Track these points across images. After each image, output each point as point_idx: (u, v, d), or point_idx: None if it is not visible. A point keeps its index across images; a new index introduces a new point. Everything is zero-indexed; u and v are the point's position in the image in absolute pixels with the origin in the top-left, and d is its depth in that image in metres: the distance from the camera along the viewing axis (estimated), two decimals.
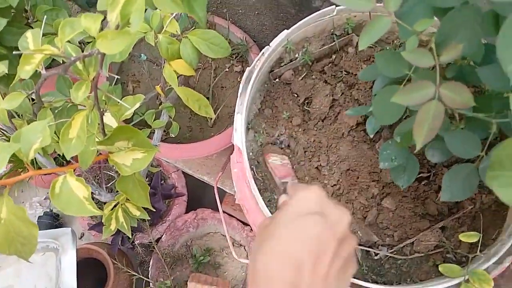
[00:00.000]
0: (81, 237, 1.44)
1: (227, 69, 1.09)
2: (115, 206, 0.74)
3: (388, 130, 0.75)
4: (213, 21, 1.08)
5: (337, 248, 0.40)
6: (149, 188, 1.15)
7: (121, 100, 0.66)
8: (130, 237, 1.19)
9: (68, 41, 0.63)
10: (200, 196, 1.43)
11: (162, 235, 1.29)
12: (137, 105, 0.77)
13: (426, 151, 0.59)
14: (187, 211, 1.34)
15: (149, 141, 0.66)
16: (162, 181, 1.34)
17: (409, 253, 0.71)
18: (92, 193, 0.78)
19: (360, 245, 0.73)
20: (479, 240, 0.66)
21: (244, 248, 1.32)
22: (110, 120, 0.73)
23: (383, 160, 0.63)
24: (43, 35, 0.68)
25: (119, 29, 0.53)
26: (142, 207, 0.76)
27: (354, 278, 0.63)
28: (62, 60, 0.71)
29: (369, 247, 0.73)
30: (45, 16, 0.67)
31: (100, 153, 0.66)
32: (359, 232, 0.71)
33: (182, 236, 1.32)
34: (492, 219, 0.73)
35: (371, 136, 0.68)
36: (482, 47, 0.48)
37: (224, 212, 1.33)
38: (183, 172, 1.35)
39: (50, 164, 0.73)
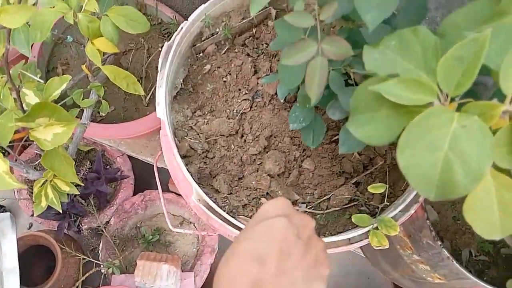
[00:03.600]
0: (30, 227, 1.43)
1: (160, 49, 1.10)
2: (44, 183, 0.76)
3: None
4: (143, 2, 1.10)
5: (303, 247, 0.41)
6: (92, 172, 1.17)
7: (35, 73, 0.67)
8: (60, 211, 1.19)
9: None
10: (147, 178, 1.44)
11: (111, 219, 1.30)
12: (64, 85, 0.78)
13: (328, 110, 0.64)
14: (135, 194, 1.36)
15: (72, 116, 0.68)
16: (108, 166, 1.35)
17: (326, 208, 0.77)
18: (20, 172, 0.79)
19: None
20: (386, 191, 0.72)
21: (194, 225, 1.35)
22: (33, 99, 0.74)
23: (292, 122, 0.68)
24: None
25: (21, 3, 0.55)
26: (72, 183, 0.78)
27: None
28: None
29: (293, 203, 0.77)
30: None
31: (19, 130, 0.68)
32: (279, 191, 0.76)
33: (131, 218, 1.34)
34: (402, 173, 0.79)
35: (282, 100, 0.72)
36: None
37: (171, 191, 1.36)
38: (129, 156, 1.36)
39: None
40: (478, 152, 0.34)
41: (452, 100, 0.37)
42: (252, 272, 0.38)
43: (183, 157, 0.78)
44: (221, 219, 0.70)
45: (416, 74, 0.39)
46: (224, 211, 0.70)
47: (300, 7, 0.53)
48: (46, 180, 0.75)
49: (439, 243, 0.83)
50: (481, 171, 0.34)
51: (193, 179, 0.71)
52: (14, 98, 0.67)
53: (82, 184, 0.73)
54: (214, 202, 0.69)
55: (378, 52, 0.42)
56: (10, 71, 0.61)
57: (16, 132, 0.70)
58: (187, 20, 0.79)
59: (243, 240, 0.41)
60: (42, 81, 0.68)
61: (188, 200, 0.80)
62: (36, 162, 0.81)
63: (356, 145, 0.60)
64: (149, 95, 1.06)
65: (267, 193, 0.77)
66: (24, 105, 0.69)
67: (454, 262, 0.82)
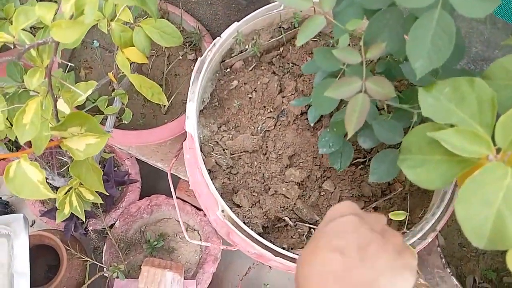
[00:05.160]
0: (32, 224, 1.42)
1: (180, 57, 1.11)
2: (68, 190, 0.76)
3: (328, 119, 0.82)
4: (166, 9, 1.10)
5: (381, 239, 0.40)
6: (102, 174, 1.17)
7: (74, 86, 0.68)
8: (84, 221, 1.20)
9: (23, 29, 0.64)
10: (154, 182, 1.45)
11: (116, 221, 1.30)
12: (90, 91, 0.78)
13: (358, 138, 0.66)
14: (141, 198, 1.36)
15: (102, 127, 0.69)
16: (116, 168, 1.35)
17: None
18: (46, 178, 0.79)
19: (305, 222, 0.79)
20: (406, 218, 0.74)
21: (198, 232, 1.36)
22: (63, 106, 0.75)
23: (321, 146, 0.70)
24: None
25: (73, 18, 0.56)
26: (95, 191, 0.78)
27: (290, 251, 0.69)
28: (14, 46, 0.72)
29: (313, 224, 0.79)
30: None
31: (52, 139, 0.68)
32: (304, 209, 0.78)
33: (136, 222, 1.34)
34: (420, 200, 0.81)
35: (312, 124, 0.74)
36: (404, 45, 0.55)
37: (178, 197, 1.37)
38: (137, 159, 1.36)
39: (2, 149, 0.74)
40: None
41: (505, 153, 0.39)
42: (336, 262, 0.39)
43: (209, 172, 0.79)
44: (244, 235, 0.71)
45: (470, 125, 0.40)
46: (248, 226, 0.72)
47: (345, 42, 0.55)
48: (71, 188, 0.75)
49: (448, 270, 0.86)
50: None
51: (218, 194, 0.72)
52: None
53: (107, 193, 0.74)
54: (237, 217, 0.71)
55: (432, 97, 0.43)
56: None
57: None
58: (219, 36, 0.80)
59: (318, 238, 0.42)
60: (80, 92, 0.68)
61: (208, 213, 0.81)
62: (62, 170, 0.82)
63: (386, 175, 0.62)
64: (168, 103, 1.07)
65: (293, 210, 0.79)
66: (58, 115, 0.69)
67: None
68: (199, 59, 0.77)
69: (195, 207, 1.35)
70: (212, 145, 0.81)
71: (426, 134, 0.40)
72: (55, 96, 0.65)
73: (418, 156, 0.42)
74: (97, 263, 1.22)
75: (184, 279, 1.26)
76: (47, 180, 0.77)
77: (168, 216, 1.40)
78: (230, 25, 0.81)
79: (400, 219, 0.74)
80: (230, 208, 0.72)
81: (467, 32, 1.02)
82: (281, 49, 0.89)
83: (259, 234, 0.72)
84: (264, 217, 0.78)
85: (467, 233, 0.37)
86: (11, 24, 0.61)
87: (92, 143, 0.67)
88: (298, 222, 0.78)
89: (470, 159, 0.39)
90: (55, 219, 1.21)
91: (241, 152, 0.82)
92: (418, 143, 0.42)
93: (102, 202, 0.76)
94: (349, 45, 0.58)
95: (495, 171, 0.37)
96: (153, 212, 1.36)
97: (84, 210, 1.19)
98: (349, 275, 0.38)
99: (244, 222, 0.76)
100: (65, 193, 0.76)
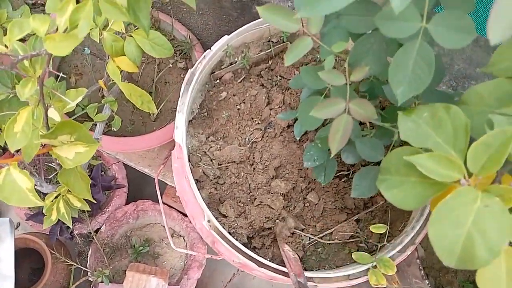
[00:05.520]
0: (17, 227, 1.42)
1: (170, 65, 1.13)
2: (56, 197, 0.77)
3: (314, 132, 0.84)
4: (158, 17, 1.12)
5: None
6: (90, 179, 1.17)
7: (64, 93, 0.69)
8: (71, 227, 1.20)
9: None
10: (141, 187, 1.46)
11: (102, 226, 1.31)
12: (79, 98, 0.79)
13: (342, 154, 0.68)
14: (127, 203, 1.37)
15: (91, 135, 0.70)
16: (103, 173, 1.35)
17: (328, 240, 0.81)
18: (34, 184, 0.80)
19: (295, 228, 0.82)
20: (386, 231, 0.77)
21: (184, 238, 1.37)
22: (53, 114, 0.76)
23: (306, 160, 0.72)
24: None
25: (67, 32, 0.57)
26: (83, 198, 0.79)
27: (278, 264, 0.71)
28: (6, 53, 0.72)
29: (301, 230, 0.81)
30: None
31: (43, 147, 0.69)
32: (291, 219, 0.80)
33: (121, 227, 1.34)
34: (400, 213, 0.84)
35: (297, 138, 0.76)
36: (386, 68, 0.57)
37: (164, 203, 1.37)
38: (124, 164, 1.37)
39: None
40: (498, 230, 0.38)
41: (476, 178, 0.41)
42: None
43: (196, 181, 0.80)
44: (229, 245, 0.73)
45: (445, 150, 0.43)
46: (233, 236, 0.73)
47: (331, 64, 0.57)
48: (59, 195, 0.76)
49: (427, 282, 0.88)
50: (500, 247, 0.38)
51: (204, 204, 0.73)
52: None
53: (94, 201, 0.75)
54: (222, 227, 0.72)
55: (411, 121, 0.46)
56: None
57: None
58: (209, 49, 0.82)
59: None
60: (70, 102, 0.69)
61: (194, 222, 0.83)
62: (51, 176, 0.82)
63: (368, 191, 0.64)
64: (158, 111, 1.08)
65: (278, 220, 0.80)
66: (48, 123, 0.70)
67: None
68: (189, 71, 0.79)
69: (181, 213, 1.36)
70: (200, 155, 0.83)
71: (403, 157, 0.42)
72: (46, 105, 0.66)
73: (396, 178, 0.45)
74: (82, 267, 1.22)
75: (169, 285, 1.26)
76: (35, 187, 0.78)
77: (154, 222, 1.40)
78: (220, 36, 0.82)
79: (380, 232, 0.76)
80: (216, 218, 0.74)
81: (450, 50, 1.05)
82: (270, 62, 0.91)
83: (243, 244, 0.74)
84: (249, 227, 0.79)
85: (438, 252, 0.39)
86: (3, 29, 0.62)
87: (81, 151, 0.68)
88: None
89: (443, 182, 0.41)
90: (41, 223, 1.21)
91: (228, 163, 0.84)
92: (396, 165, 0.45)
93: (89, 209, 0.76)
94: (335, 64, 0.60)
95: (466, 195, 0.39)
96: (139, 217, 1.37)
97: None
98: None
99: (229, 232, 0.78)
100: (53, 200, 0.77)
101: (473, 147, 0.40)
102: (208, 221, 0.73)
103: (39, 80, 0.61)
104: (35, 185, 0.80)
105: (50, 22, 0.59)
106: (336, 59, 0.86)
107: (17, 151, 0.70)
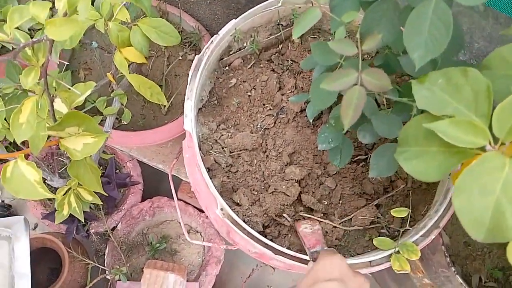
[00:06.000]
0: (35, 227, 1.42)
1: (180, 57, 1.11)
2: (67, 191, 0.76)
3: (327, 116, 0.81)
4: (165, 10, 1.10)
5: None
6: (103, 176, 1.17)
7: (72, 87, 0.67)
8: (85, 223, 1.20)
9: (18, 28, 0.64)
10: (156, 184, 1.45)
11: (118, 224, 1.30)
12: (88, 92, 0.78)
13: (358, 133, 0.65)
14: (143, 200, 1.36)
15: (100, 127, 0.68)
16: (117, 171, 1.35)
17: (348, 228, 0.78)
18: (44, 179, 0.79)
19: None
20: (408, 215, 0.73)
21: (200, 234, 1.35)
22: (60, 107, 0.75)
23: (321, 142, 0.69)
24: None
25: (67, 16, 0.55)
26: (94, 192, 0.78)
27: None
28: (12, 47, 0.72)
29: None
30: None
31: (51, 139, 0.68)
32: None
33: (138, 224, 1.33)
34: (423, 197, 0.80)
35: (311, 120, 0.73)
36: (400, 36, 0.54)
37: (180, 199, 1.36)
38: (139, 161, 1.36)
39: (1, 151, 0.73)
40: None
41: (503, 144, 0.38)
42: None
43: (208, 170, 0.78)
44: (244, 233, 0.70)
45: (467, 116, 0.39)
46: (248, 225, 0.71)
47: (341, 34, 0.54)
48: (70, 188, 0.75)
49: (453, 269, 0.84)
50: None
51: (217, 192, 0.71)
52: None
53: (106, 194, 0.73)
54: (237, 215, 0.70)
55: (426, 89, 0.43)
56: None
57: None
58: (217, 34, 0.80)
59: None
60: (76, 91, 0.68)
61: (208, 212, 0.80)
62: (61, 170, 0.82)
63: (387, 170, 0.61)
64: (168, 104, 1.06)
65: (293, 208, 0.78)
66: (55, 115, 0.69)
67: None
68: (197, 57, 0.77)
69: (197, 209, 1.35)
70: (211, 144, 0.81)
71: (423, 125, 0.39)
72: (51, 95, 0.65)
73: (416, 149, 0.41)
74: (99, 265, 1.22)
75: (187, 281, 1.25)
76: (46, 181, 0.77)
77: (170, 218, 1.39)
78: None
79: (402, 216, 0.73)
80: (229, 206, 0.72)
81: (469, 28, 1.01)
82: (280, 46, 0.88)
83: (259, 232, 0.71)
84: (264, 215, 0.77)
85: (465, 224, 0.36)
86: None
87: (89, 142, 0.66)
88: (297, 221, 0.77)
89: (466, 150, 0.38)
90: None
91: (240, 150, 0.81)
92: (415, 135, 0.42)
93: (101, 203, 0.75)
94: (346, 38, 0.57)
95: (493, 161, 0.36)
96: (155, 214, 1.36)
97: (86, 213, 1.19)
98: None
99: (244, 221, 0.75)
100: (64, 194, 0.76)
101: (499, 109, 0.36)
102: (221, 209, 0.70)
103: (43, 69, 0.60)
104: (45, 179, 0.79)
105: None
106: (347, 35, 0.83)
107: (23, 143, 0.70)
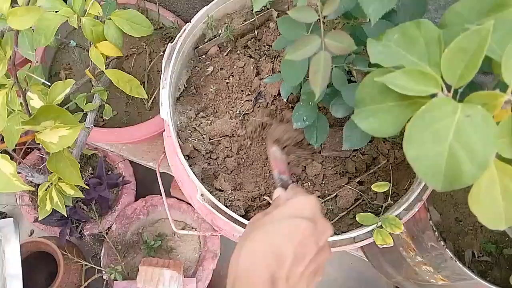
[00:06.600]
0: (31, 234, 1.43)
1: (162, 53, 1.11)
2: (49, 187, 0.76)
3: None
4: (144, 7, 1.11)
5: (316, 254, 0.44)
6: (94, 177, 1.17)
7: (41, 76, 0.68)
8: (73, 223, 1.20)
9: None
10: (149, 184, 1.45)
11: (112, 224, 1.30)
12: (67, 89, 0.78)
13: (331, 108, 0.64)
14: (137, 199, 1.36)
15: (75, 119, 0.68)
16: (109, 172, 1.35)
17: (331, 207, 0.77)
18: (25, 176, 0.79)
19: None
20: (390, 189, 0.73)
21: (196, 230, 1.35)
22: (38, 104, 0.75)
23: (296, 120, 0.68)
24: None
25: (29, 5, 0.56)
26: (77, 186, 0.78)
27: None
28: None
29: None
30: None
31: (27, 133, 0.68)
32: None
33: (132, 224, 1.34)
34: (405, 172, 0.80)
35: (285, 99, 0.73)
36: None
37: (173, 196, 1.36)
38: (131, 162, 1.36)
39: None
40: (483, 141, 0.34)
41: (456, 91, 0.38)
42: (270, 269, 0.41)
43: (187, 158, 0.78)
44: (226, 217, 0.70)
45: (420, 66, 0.39)
46: (230, 209, 0.71)
47: (303, 2, 0.54)
48: (51, 184, 0.75)
49: (442, 243, 0.83)
50: (487, 159, 0.34)
51: (197, 179, 0.71)
52: (21, 102, 0.67)
53: (87, 187, 0.73)
54: (218, 201, 0.70)
55: (381, 45, 0.42)
56: (17, 74, 0.62)
57: (21, 136, 0.70)
58: (189, 22, 0.80)
59: (269, 230, 0.44)
60: (48, 83, 0.68)
61: (192, 201, 0.80)
62: (40, 166, 0.82)
63: (360, 141, 0.61)
64: (152, 99, 1.07)
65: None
66: (29, 109, 0.69)
67: (457, 262, 0.82)
68: (169, 45, 0.77)
69: (191, 205, 1.35)
70: (190, 131, 0.81)
71: (375, 80, 0.39)
72: (24, 89, 0.65)
73: (371, 107, 0.41)
74: (95, 266, 1.22)
75: (185, 277, 1.25)
76: (27, 178, 0.77)
77: (165, 216, 1.39)
78: None
79: (383, 191, 0.72)
80: (211, 192, 0.71)
81: None
82: (256, 32, 0.88)
83: (242, 216, 0.71)
84: (246, 199, 0.77)
85: (421, 173, 0.36)
86: None
87: (65, 134, 0.66)
88: None
89: (420, 101, 0.38)
90: (48, 224, 1.21)
91: (220, 137, 0.81)
92: (370, 93, 0.41)
93: (83, 196, 0.75)
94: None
95: (444, 106, 0.35)
96: (149, 213, 1.36)
97: (79, 214, 1.19)
98: (271, 284, 0.40)
99: (226, 205, 0.75)
100: (46, 190, 0.76)
101: (447, 54, 0.36)
102: (202, 194, 0.70)
103: (11, 61, 0.60)
104: (26, 176, 0.79)
105: None
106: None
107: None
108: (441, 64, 0.36)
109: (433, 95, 0.37)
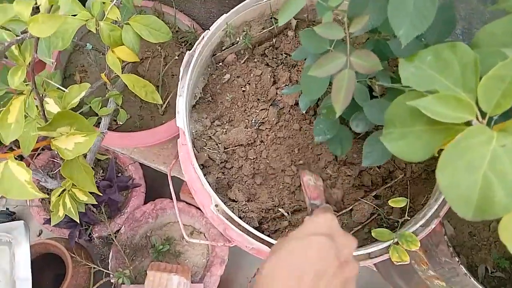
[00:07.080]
0: (40, 234, 1.43)
1: (176, 57, 1.11)
2: (62, 192, 0.76)
3: None
4: (160, 10, 1.10)
5: (338, 269, 0.44)
6: (105, 180, 1.16)
7: (59, 82, 0.67)
8: (82, 225, 1.20)
9: (4, 28, 0.64)
10: (159, 187, 1.44)
11: (121, 227, 1.30)
12: (83, 93, 0.78)
13: (351, 123, 0.63)
14: (146, 202, 1.36)
15: (91, 126, 0.68)
16: (119, 174, 1.34)
17: (346, 221, 0.76)
18: (38, 180, 0.79)
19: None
20: (407, 205, 0.71)
21: (204, 235, 1.34)
22: (53, 108, 0.74)
23: (317, 134, 0.67)
24: None
25: (50, 13, 0.55)
26: (89, 192, 0.78)
27: None
28: None
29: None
30: None
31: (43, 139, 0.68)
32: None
33: (141, 227, 1.33)
34: (422, 187, 0.79)
35: (304, 112, 0.72)
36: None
37: (182, 200, 1.35)
38: (141, 164, 1.36)
39: None
40: None
41: (490, 119, 0.37)
42: (291, 284, 0.42)
43: (202, 167, 0.77)
44: (240, 229, 0.69)
45: (454, 92, 0.38)
46: (243, 221, 0.70)
47: (329, 19, 0.53)
48: (65, 189, 0.75)
49: (457, 259, 0.82)
50: None
51: (212, 189, 0.70)
52: (36, 106, 0.67)
53: (100, 194, 0.73)
54: (232, 212, 0.69)
55: (413, 67, 0.41)
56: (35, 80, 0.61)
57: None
58: (208, 29, 0.79)
59: (289, 249, 0.45)
60: (66, 90, 0.68)
61: (205, 210, 0.79)
62: (54, 172, 0.81)
63: (381, 159, 0.59)
64: (166, 104, 1.06)
65: (290, 201, 0.77)
66: (45, 114, 0.69)
67: (472, 279, 0.81)
68: (188, 52, 0.76)
69: (200, 209, 1.34)
70: (205, 140, 0.80)
71: (406, 104, 0.38)
72: (41, 95, 0.65)
73: (400, 129, 0.40)
74: (103, 269, 1.21)
75: (192, 282, 1.24)
76: (40, 183, 0.77)
77: (173, 220, 1.38)
78: None
79: (400, 206, 0.71)
80: (225, 203, 0.71)
81: (468, 14, 0.99)
82: (274, 40, 0.87)
83: (255, 228, 0.70)
84: (261, 211, 0.76)
85: (452, 202, 0.35)
86: None
87: (81, 141, 0.66)
88: (294, 214, 0.76)
89: (452, 126, 0.37)
90: (59, 226, 1.21)
91: (235, 146, 0.80)
92: (401, 115, 0.40)
93: (96, 203, 0.74)
94: None
95: (480, 135, 0.34)
96: (158, 216, 1.35)
97: (89, 217, 1.19)
98: None
99: (239, 217, 0.74)
100: (59, 195, 0.75)
101: (484, 82, 0.35)
102: (216, 205, 0.69)
103: (29, 68, 0.60)
104: (39, 181, 0.79)
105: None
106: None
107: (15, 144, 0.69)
108: (477, 91, 0.35)
109: (467, 122, 0.36)
